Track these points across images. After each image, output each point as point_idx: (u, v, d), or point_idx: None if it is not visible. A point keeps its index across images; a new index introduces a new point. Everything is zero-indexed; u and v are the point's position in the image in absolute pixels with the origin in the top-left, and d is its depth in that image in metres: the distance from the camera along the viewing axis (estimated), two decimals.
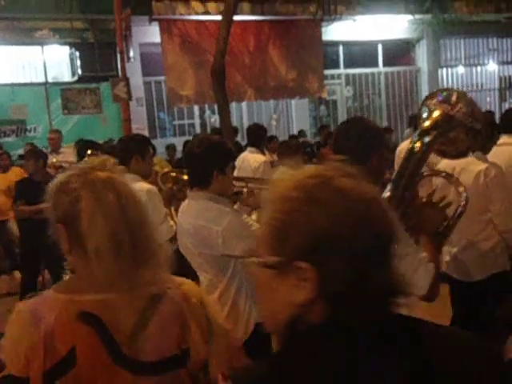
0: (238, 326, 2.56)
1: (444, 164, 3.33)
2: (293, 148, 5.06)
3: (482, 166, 3.22)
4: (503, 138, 4.60)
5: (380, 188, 2.25)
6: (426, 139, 2.25)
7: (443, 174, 2.64)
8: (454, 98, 2.38)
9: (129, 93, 8.21)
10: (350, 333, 0.85)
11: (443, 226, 2.24)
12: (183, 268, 2.51)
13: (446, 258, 3.40)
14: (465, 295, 3.26)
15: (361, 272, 0.85)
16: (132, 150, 3.45)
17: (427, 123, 2.33)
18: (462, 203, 2.38)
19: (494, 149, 4.76)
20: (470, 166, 3.23)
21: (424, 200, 2.22)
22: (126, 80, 8.16)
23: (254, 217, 2.73)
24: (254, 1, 9.78)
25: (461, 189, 2.44)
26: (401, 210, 2.15)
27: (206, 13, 9.46)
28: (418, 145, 2.24)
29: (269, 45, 10.37)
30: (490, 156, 4.89)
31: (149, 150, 3.54)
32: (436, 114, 2.32)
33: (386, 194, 2.16)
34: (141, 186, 3.38)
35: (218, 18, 8.02)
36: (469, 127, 2.32)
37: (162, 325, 1.38)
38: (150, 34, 9.64)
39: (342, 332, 0.85)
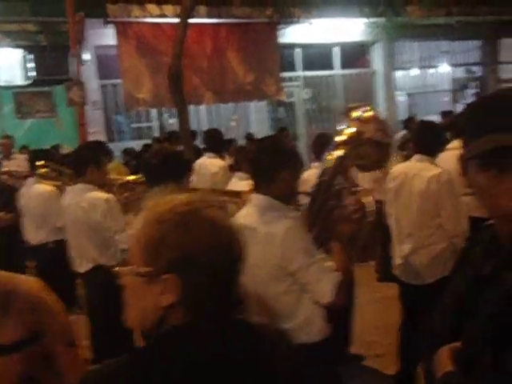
0: None
1: (396, 169, 3.42)
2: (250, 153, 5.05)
3: (435, 171, 3.31)
4: (453, 143, 4.74)
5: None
6: (339, 153, 2.39)
7: (353, 188, 2.77)
8: (367, 115, 2.53)
9: (83, 97, 8.07)
10: (204, 335, 1.04)
11: (355, 236, 2.40)
12: None
13: (398, 261, 3.48)
14: (415, 298, 3.33)
15: (217, 286, 1.06)
16: (87, 161, 3.42)
17: (341, 138, 2.47)
18: (370, 216, 2.57)
19: (445, 153, 4.91)
20: (422, 172, 3.33)
21: (339, 212, 2.36)
22: (81, 84, 8.02)
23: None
24: (211, 4, 9.76)
25: (369, 200, 2.61)
26: (318, 222, 2.30)
27: (162, 15, 9.39)
28: (331, 159, 2.37)
29: (226, 48, 10.37)
30: (440, 160, 5.04)
31: (103, 159, 3.51)
32: (350, 130, 2.46)
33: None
34: (98, 196, 3.34)
35: (175, 20, 7.97)
36: (378, 142, 2.47)
37: None
38: (106, 36, 9.50)
39: (198, 334, 1.05)
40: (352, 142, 2.52)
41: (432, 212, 3.27)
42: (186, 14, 7.41)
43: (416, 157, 3.34)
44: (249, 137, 9.24)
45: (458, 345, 1.16)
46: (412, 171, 3.36)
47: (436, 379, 1.14)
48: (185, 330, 1.05)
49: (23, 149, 8.08)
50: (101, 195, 3.35)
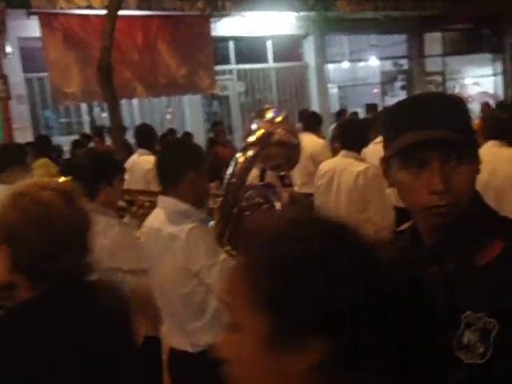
0: None
1: (326, 165, 3.51)
2: None
3: (361, 166, 3.41)
4: (380, 137, 4.89)
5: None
6: (249, 153, 2.43)
7: (259, 187, 2.85)
8: (278, 117, 2.62)
9: (7, 91, 7.71)
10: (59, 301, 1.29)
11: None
12: None
13: None
14: None
15: (50, 255, 1.30)
16: (7, 161, 3.28)
17: (251, 139, 2.52)
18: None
19: (372, 147, 5.07)
20: (349, 167, 3.43)
21: (248, 212, 2.42)
22: (4, 77, 7.65)
23: (144, 229, 2.71)
24: None
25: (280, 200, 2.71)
26: (230, 223, 2.36)
27: (90, 7, 9.09)
28: (241, 159, 2.41)
29: (157, 41, 10.19)
30: (367, 154, 5.20)
31: (25, 160, 3.39)
32: (260, 131, 2.52)
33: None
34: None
35: (103, 12, 7.74)
36: (286, 143, 2.56)
37: None
38: (30, 28, 9.08)
39: (52, 300, 1.29)
40: (262, 143, 2.56)
41: (360, 206, 3.38)
42: (114, 5, 7.21)
43: (342, 153, 3.44)
44: (185, 135, 9.14)
45: None
46: (339, 167, 3.46)
47: None
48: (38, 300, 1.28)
49: None
50: None
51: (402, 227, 1.29)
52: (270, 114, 2.63)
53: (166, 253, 2.29)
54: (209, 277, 2.25)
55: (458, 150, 1.05)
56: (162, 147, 2.58)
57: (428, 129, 1.04)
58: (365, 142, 3.60)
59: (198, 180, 2.34)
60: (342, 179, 3.32)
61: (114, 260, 2.42)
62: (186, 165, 2.33)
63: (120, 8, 7.39)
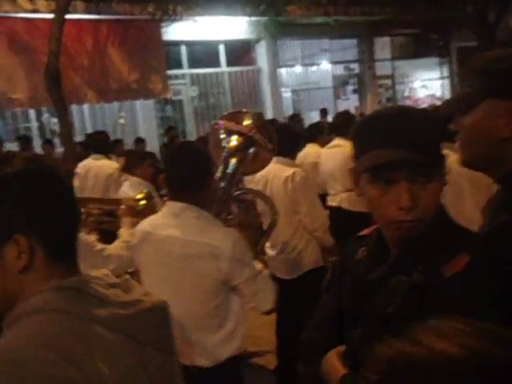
0: None
1: (259, 173, 3.60)
2: (140, 156, 4.95)
3: (289, 171, 3.51)
4: (336, 140, 4.97)
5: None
6: (233, 161, 2.42)
7: (254, 192, 2.88)
8: (249, 119, 2.63)
9: None
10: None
11: (259, 239, 2.46)
12: None
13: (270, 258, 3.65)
14: (287, 292, 3.46)
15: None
16: None
17: (231, 146, 2.51)
18: (273, 216, 2.67)
19: (326, 150, 5.14)
20: (279, 173, 3.54)
21: (237, 220, 2.41)
22: None
23: (93, 237, 2.65)
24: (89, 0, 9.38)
25: (269, 203, 2.72)
26: None
27: (36, 11, 8.85)
28: (224, 169, 2.40)
29: (107, 45, 10.02)
30: (322, 158, 5.27)
31: None
32: (236, 136, 2.52)
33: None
34: None
35: (50, 16, 7.56)
36: (264, 144, 2.58)
37: None
38: None
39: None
40: (244, 148, 2.57)
41: (290, 210, 3.46)
42: (61, 9, 7.05)
43: (275, 159, 3.53)
44: (138, 141, 9.03)
45: (342, 348, 1.21)
46: (271, 173, 3.56)
47: (331, 383, 1.18)
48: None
49: None
50: None
51: (364, 232, 1.32)
52: (247, 119, 2.63)
53: (189, 264, 2.12)
54: (251, 288, 2.16)
55: (427, 169, 1.10)
56: (175, 153, 2.35)
57: (400, 148, 1.08)
58: (297, 148, 3.71)
59: (213, 186, 2.29)
60: (274, 184, 3.40)
61: None
62: (208, 171, 2.24)
63: (67, 12, 7.24)
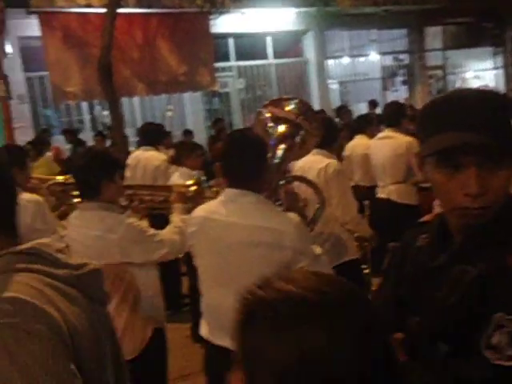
0: (136, 335, 2.55)
1: (299, 163, 3.61)
2: (190, 147, 5.05)
3: (324, 163, 3.49)
4: (386, 132, 4.90)
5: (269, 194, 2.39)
6: (281, 148, 2.42)
7: (302, 180, 2.87)
8: (294, 105, 2.62)
9: (7, 91, 7.71)
10: None
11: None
12: None
13: None
14: None
15: None
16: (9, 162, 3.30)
17: (279, 132, 2.52)
18: (319, 203, 2.67)
19: (376, 142, 5.07)
20: (314, 164, 3.52)
21: (285, 207, 2.41)
22: (4, 77, 7.66)
23: (145, 223, 2.71)
24: None
25: (317, 191, 2.72)
26: None
27: (89, 5, 9.09)
28: (272, 156, 2.41)
29: (157, 39, 10.19)
30: (372, 149, 5.21)
31: (26, 161, 3.41)
32: (283, 123, 2.52)
33: None
34: (27, 198, 3.24)
35: (102, 10, 7.75)
36: (310, 130, 2.57)
37: None
38: (30, 27, 9.10)
39: None
40: (291, 135, 2.57)
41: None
42: (113, 3, 7.22)
43: (314, 151, 3.53)
44: (186, 133, 9.14)
45: (400, 336, 1.18)
46: (308, 164, 3.57)
47: None
48: None
49: None
50: (30, 197, 3.25)
51: (425, 218, 1.30)
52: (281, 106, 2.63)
53: (251, 249, 2.12)
54: (316, 268, 2.15)
55: (497, 155, 1.05)
56: (233, 141, 2.34)
57: (469, 131, 1.03)
58: (336, 140, 3.68)
59: (268, 173, 2.29)
60: (308, 175, 3.40)
61: (125, 255, 2.44)
62: (265, 158, 2.25)
63: (119, 6, 7.41)
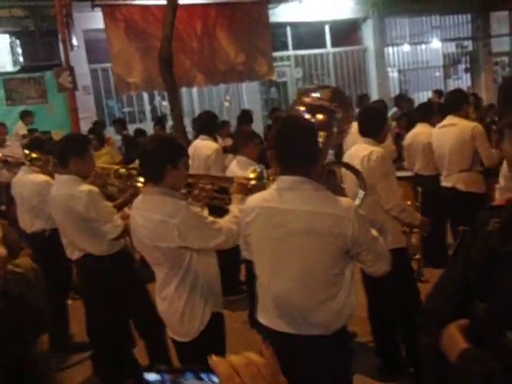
0: (195, 317, 2.62)
1: (348, 151, 3.60)
2: (248, 136, 5.05)
3: (367, 151, 3.47)
4: (449, 119, 4.78)
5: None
6: (321, 136, 2.42)
7: (347, 166, 2.86)
8: (326, 93, 2.62)
9: (74, 82, 8.01)
10: None
11: None
12: None
13: None
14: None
15: None
16: (70, 151, 3.43)
17: (317, 121, 2.52)
18: (362, 189, 2.67)
19: (438, 130, 4.95)
20: (358, 152, 3.52)
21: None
22: (71, 69, 7.96)
23: (205, 212, 2.76)
24: None
25: (359, 178, 2.72)
26: None
27: None
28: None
29: (216, 29, 10.29)
30: (434, 138, 5.10)
31: (88, 150, 3.53)
32: (320, 111, 2.52)
33: None
34: (80, 188, 3.38)
35: (163, 2, 7.89)
36: (345, 116, 2.57)
37: None
38: (94, 20, 9.41)
39: None
40: (327, 123, 2.59)
41: (368, 189, 3.42)
42: None
43: (360, 139, 3.49)
44: (243, 122, 9.15)
45: (465, 322, 1.17)
46: (353, 153, 3.59)
47: (449, 356, 1.16)
48: None
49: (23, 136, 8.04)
50: (82, 187, 3.37)
51: (497, 202, 1.27)
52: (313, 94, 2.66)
53: (313, 235, 2.14)
54: (373, 253, 2.23)
55: None
56: (281, 129, 2.31)
57: None
58: (381, 127, 3.63)
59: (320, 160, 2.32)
60: (354, 164, 3.37)
61: (183, 239, 2.49)
62: (316, 143, 2.25)
63: None
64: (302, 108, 2.68)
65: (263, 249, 2.32)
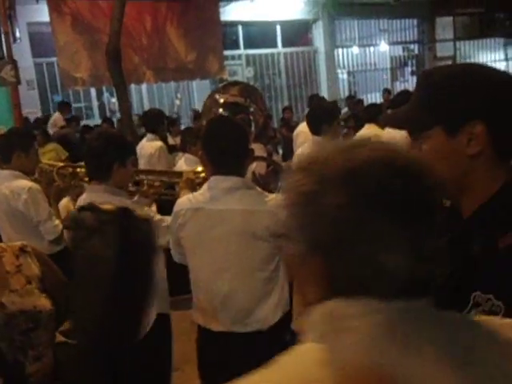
0: None
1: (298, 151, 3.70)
2: (195, 134, 5.00)
3: None
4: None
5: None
6: None
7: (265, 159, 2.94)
8: (240, 90, 2.65)
9: (17, 76, 7.71)
10: None
11: None
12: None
13: None
14: None
15: None
16: (13, 146, 3.30)
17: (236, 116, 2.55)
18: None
19: (389, 130, 5.04)
20: (305, 150, 3.66)
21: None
22: (13, 62, 7.66)
23: (153, 208, 2.70)
24: None
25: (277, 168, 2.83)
26: None
27: None
28: None
29: (166, 26, 10.15)
30: (386, 138, 5.18)
31: (33, 145, 3.40)
32: (234, 107, 2.56)
33: None
34: (20, 184, 3.25)
35: None
36: (260, 111, 2.62)
37: None
38: (39, 12, 9.10)
39: None
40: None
41: None
42: None
43: (311, 138, 3.61)
44: (195, 114, 9.06)
45: None
46: (305, 152, 3.70)
47: None
48: None
49: None
50: (23, 184, 3.24)
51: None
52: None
53: (251, 233, 2.14)
54: None
55: None
56: (210, 130, 2.33)
57: None
58: (330, 126, 3.72)
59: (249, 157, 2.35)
60: None
61: None
62: (246, 140, 2.26)
63: None
64: (218, 103, 2.67)
65: (200, 250, 2.27)
